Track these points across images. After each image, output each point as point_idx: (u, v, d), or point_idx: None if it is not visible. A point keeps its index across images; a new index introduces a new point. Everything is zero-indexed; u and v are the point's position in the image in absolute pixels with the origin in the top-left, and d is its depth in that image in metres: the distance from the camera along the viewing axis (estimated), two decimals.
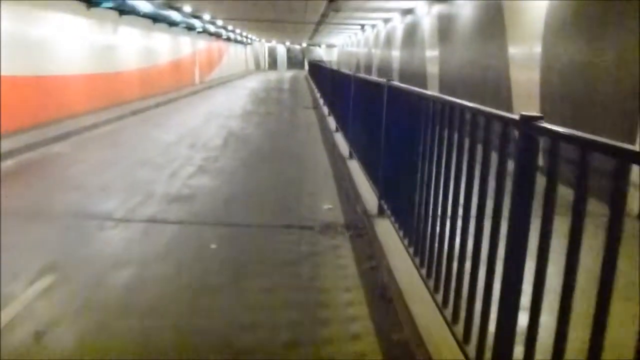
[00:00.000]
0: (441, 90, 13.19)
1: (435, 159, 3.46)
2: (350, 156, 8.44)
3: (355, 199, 6.56)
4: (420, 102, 3.88)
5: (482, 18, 11.06)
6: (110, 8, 14.66)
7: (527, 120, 2.08)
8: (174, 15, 20.14)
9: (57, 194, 6.66)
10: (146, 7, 16.71)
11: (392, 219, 4.76)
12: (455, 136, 3.06)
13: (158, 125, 13.53)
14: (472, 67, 11.40)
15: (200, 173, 8.02)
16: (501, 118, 2.36)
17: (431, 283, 3.42)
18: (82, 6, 13.27)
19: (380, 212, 5.45)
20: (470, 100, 3.03)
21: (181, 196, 6.71)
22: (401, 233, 4.35)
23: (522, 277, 2.09)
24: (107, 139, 11.26)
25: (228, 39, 37.09)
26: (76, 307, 3.70)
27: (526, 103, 8.48)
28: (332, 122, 12.68)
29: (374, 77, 6.10)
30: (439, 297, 3.24)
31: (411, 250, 3.98)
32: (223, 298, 3.90)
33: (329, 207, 6.40)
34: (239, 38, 41.39)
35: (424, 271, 3.61)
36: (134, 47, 17.84)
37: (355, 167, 7.65)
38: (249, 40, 50.05)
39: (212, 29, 28.13)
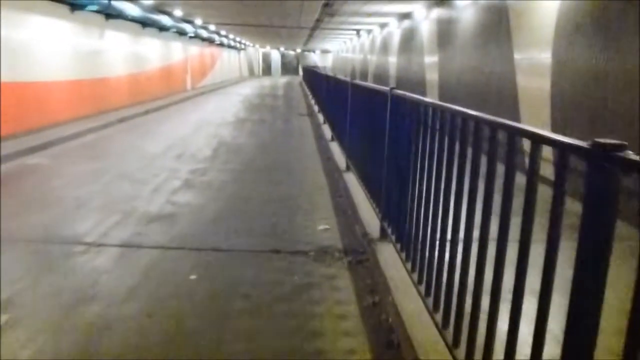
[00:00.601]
0: (441, 98, 12.66)
1: (447, 179, 2.93)
2: (347, 168, 7.88)
3: (353, 218, 5.98)
4: (434, 115, 3.32)
5: (484, 22, 10.53)
6: (96, 11, 14.06)
7: (603, 150, 1.47)
8: (164, 19, 19.57)
9: (26, 213, 6.04)
10: (134, 11, 16.12)
11: (398, 246, 4.17)
12: (470, 152, 2.49)
13: (145, 134, 12.92)
14: (474, 74, 10.86)
15: (185, 188, 7.42)
16: (554, 142, 1.76)
17: (449, 334, 2.85)
18: (66, 9, 12.67)
19: (383, 235, 4.86)
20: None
21: (162, 215, 6.11)
22: (409, 265, 3.77)
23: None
24: (89, 149, 10.65)
25: (221, 45, 36.53)
26: (27, 355, 3.11)
27: (535, 112, 7.94)
28: (327, 131, 12.12)
29: (374, 85, 5.52)
30: (460, 354, 2.66)
31: (422, 288, 3.39)
32: (199, 347, 3.30)
33: (324, 227, 5.81)
34: (232, 43, 40.84)
35: (438, 317, 3.03)
36: (122, 52, 17.22)
37: (352, 181, 7.08)
38: (243, 46, 49.53)
39: (204, 34, 27.57)
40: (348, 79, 8.11)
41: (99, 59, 15.14)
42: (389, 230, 4.58)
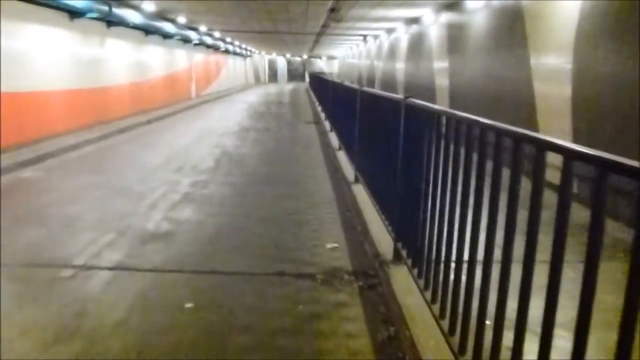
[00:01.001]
0: (452, 104, 12.24)
1: (473, 197, 2.58)
2: (356, 180, 7.48)
3: (363, 235, 5.56)
4: (455, 126, 2.93)
5: (497, 25, 10.12)
6: (96, 19, 13.74)
7: None
8: (168, 26, 19.27)
9: (13, 232, 5.64)
10: (136, 18, 15.81)
11: (414, 271, 3.76)
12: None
13: (146, 144, 12.56)
14: (486, 80, 10.44)
15: (184, 203, 7.03)
16: (591, 158, 1.51)
17: None
18: (65, 17, 12.35)
19: (397, 257, 4.45)
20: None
21: (159, 234, 5.71)
22: (428, 295, 3.36)
23: None
24: (86, 161, 10.27)
25: (226, 52, 36.27)
26: None
27: (554, 121, 7.50)
28: (334, 139, 11.72)
29: (386, 93, 5.12)
30: None
31: (444, 324, 2.98)
32: None
33: (332, 246, 5.40)
34: (237, 50, 40.59)
35: None
36: (124, 60, 16.91)
37: (361, 194, 6.68)
38: (249, 53, 49.30)
39: (209, 41, 27.29)
40: (357, 86, 7.72)
41: (99, 68, 14.82)
42: (404, 253, 4.17)
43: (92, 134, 12.37)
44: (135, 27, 16.84)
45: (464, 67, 12.03)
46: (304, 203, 7.15)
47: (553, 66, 7.65)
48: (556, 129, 7.26)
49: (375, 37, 25.86)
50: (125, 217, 6.27)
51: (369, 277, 4.56)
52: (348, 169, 8.29)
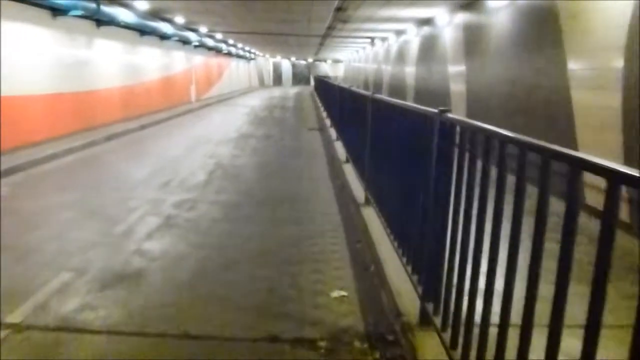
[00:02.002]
0: (469, 113, 11.15)
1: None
2: (366, 202, 6.39)
3: (378, 280, 4.47)
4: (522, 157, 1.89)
5: (525, 24, 9.03)
6: (83, 17, 12.71)
7: None
8: (165, 27, 18.26)
9: None
10: (129, 17, 14.79)
11: (457, 353, 2.68)
12: None
13: (133, 154, 11.51)
14: (511, 86, 9.34)
15: (164, 230, 5.95)
16: None
17: None
18: (47, 15, 11.32)
19: (425, 321, 3.37)
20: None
21: (125, 274, 4.63)
22: None
23: None
24: (61, 174, 9.18)
25: (229, 54, 35.28)
26: None
27: (599, 137, 6.40)
28: (340, 148, 10.66)
29: (414, 104, 4.02)
30: None
31: None
32: None
33: (340, 294, 4.31)
34: (241, 53, 39.62)
35: None
36: (115, 62, 15.86)
37: (373, 220, 5.61)
38: (253, 56, 48.32)
39: (210, 42, 26.28)
40: (368, 93, 6.64)
41: (86, 70, 13.75)
42: (437, 320, 3.09)
43: (74, 142, 11.30)
44: (129, 27, 15.83)
45: (483, 72, 10.95)
46: (306, 230, 6.07)
47: (598, 71, 6.56)
48: (601, 147, 6.18)
49: (383, 39, 24.80)
50: (90, 249, 5.20)
51: (389, 346, 3.48)
52: (356, 186, 7.21)
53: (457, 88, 12.67)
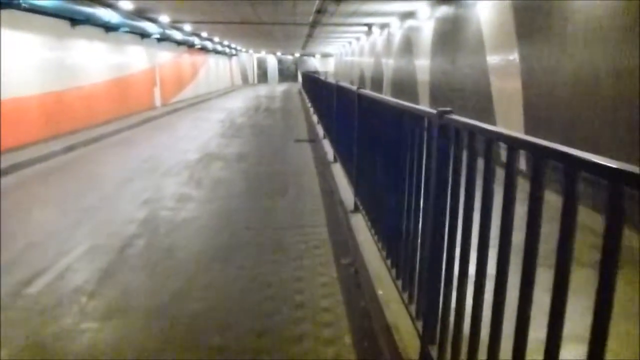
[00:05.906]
0: (529, 122, 7.30)
1: None
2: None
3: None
4: None
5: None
6: None
7: None
8: (107, 14, 14.18)
9: None
10: (46, 1, 10.78)
11: None
12: None
13: (15, 206, 7.52)
14: (615, 80, 5.47)
15: None
16: None
17: None
18: None
19: None
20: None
21: None
22: None
23: None
24: None
25: (204, 49, 31.17)
26: None
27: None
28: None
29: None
30: None
31: None
32: None
33: None
34: (219, 48, 35.51)
35: None
36: (28, 61, 11.67)
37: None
38: (234, 51, 44.15)
39: (177, 35, 22.20)
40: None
41: None
42: None
43: None
44: (50, 14, 11.80)
45: (553, 62, 7.05)
46: None
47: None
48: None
49: (383, 26, 20.87)
50: None
51: None
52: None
53: (505, 85, 8.79)
